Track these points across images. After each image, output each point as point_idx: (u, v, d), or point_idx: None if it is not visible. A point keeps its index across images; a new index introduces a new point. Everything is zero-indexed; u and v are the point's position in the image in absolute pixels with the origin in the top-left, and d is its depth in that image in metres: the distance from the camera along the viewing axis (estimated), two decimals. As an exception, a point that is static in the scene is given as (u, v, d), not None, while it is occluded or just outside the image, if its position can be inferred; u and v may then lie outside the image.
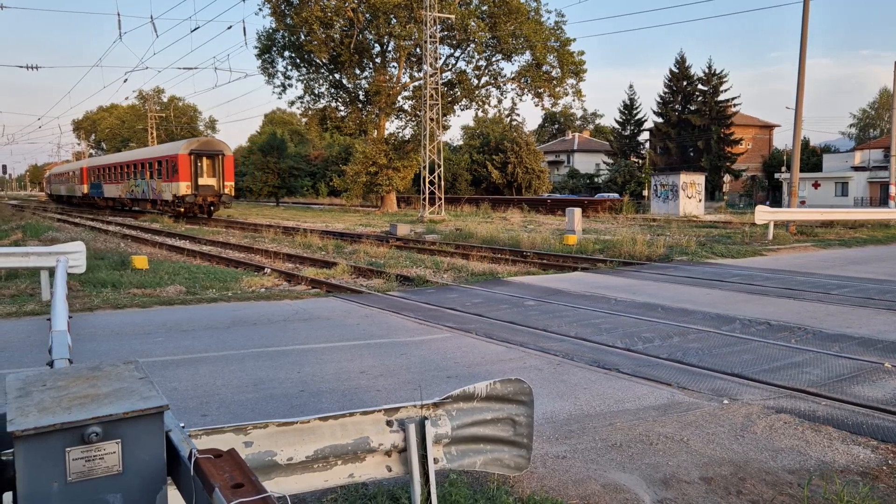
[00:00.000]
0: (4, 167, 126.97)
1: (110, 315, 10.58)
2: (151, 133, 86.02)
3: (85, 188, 52.54)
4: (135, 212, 43.34)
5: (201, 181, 35.68)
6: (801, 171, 36.49)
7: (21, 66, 73.74)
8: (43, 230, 27.43)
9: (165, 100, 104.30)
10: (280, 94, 79.08)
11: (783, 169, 57.77)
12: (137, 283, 13.61)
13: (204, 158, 36.16)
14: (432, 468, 3.86)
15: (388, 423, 3.82)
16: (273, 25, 46.83)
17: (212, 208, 37.26)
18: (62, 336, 3.39)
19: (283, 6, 44.67)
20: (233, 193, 38.00)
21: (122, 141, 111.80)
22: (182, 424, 2.06)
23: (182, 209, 36.23)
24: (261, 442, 3.46)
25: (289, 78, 49.22)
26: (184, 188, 35.28)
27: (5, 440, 1.87)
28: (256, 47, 48.70)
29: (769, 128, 74.78)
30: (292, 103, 59.08)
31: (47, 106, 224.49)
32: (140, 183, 40.07)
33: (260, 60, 49.08)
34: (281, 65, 49.13)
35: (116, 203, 46.24)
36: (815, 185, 57.32)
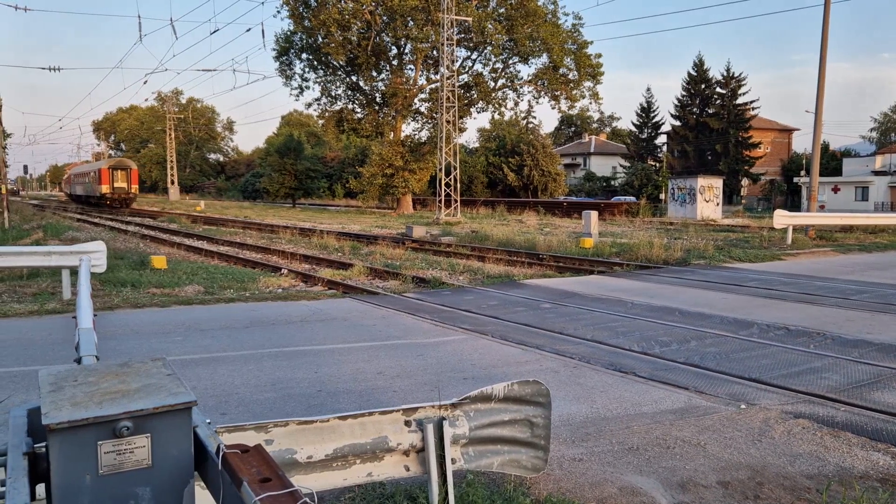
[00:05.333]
0: (25, 167, 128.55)
1: (130, 314, 10.71)
2: (170, 134, 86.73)
3: (68, 188, 74.10)
4: (86, 203, 60.94)
5: (116, 185, 54.41)
6: (821, 175, 36.16)
7: (43, 68, 74.73)
8: (63, 230, 27.76)
9: (184, 101, 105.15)
10: (297, 95, 79.44)
11: (802, 173, 57.21)
12: (156, 283, 13.75)
13: (118, 171, 54.78)
14: (450, 468, 3.89)
15: (407, 423, 3.85)
16: (291, 28, 47.11)
17: (126, 202, 55.47)
18: (89, 333, 3.45)
19: (301, 9, 44.90)
20: (137, 193, 58.84)
21: (140, 142, 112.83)
22: (208, 421, 2.10)
23: (107, 202, 54.51)
24: (281, 440, 3.50)
25: (306, 80, 49.44)
26: (105, 189, 54.11)
27: (39, 433, 1.92)
28: (274, 49, 48.99)
29: (788, 131, 74.09)
30: (309, 105, 59.42)
31: (68, 107, 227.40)
32: (88, 185, 59.27)
33: (278, 62, 49.32)
34: (298, 67, 49.37)
35: (81, 197, 63.16)
36: (835, 190, 56.72)
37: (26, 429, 1.99)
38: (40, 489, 1.84)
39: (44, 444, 1.82)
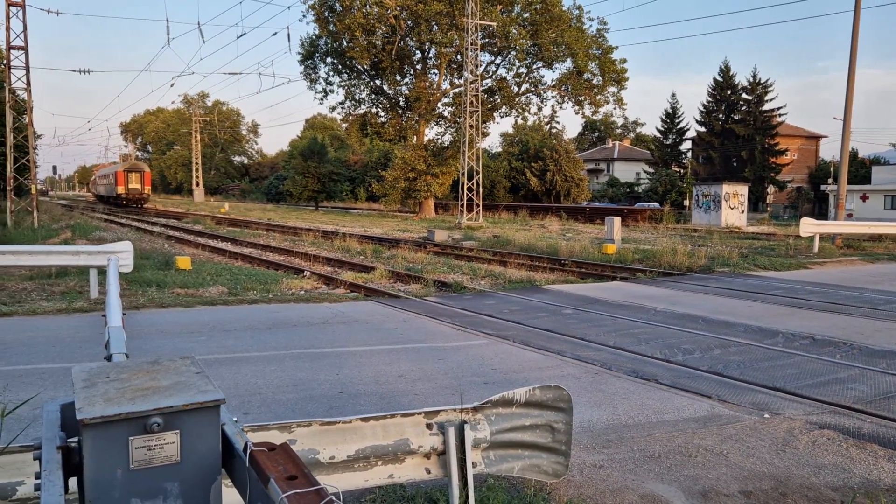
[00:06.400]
0: (55, 168, 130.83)
1: (155, 314, 10.85)
2: (195, 136, 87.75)
3: (94, 189, 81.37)
4: (107, 203, 66.93)
5: (130, 186, 60.62)
6: (849, 183, 35.53)
7: (73, 70, 76.17)
8: (91, 230, 28.20)
9: (210, 104, 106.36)
10: (321, 99, 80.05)
11: (830, 181, 56.39)
12: (181, 283, 13.92)
13: (132, 173, 61.01)
14: (471, 472, 3.90)
15: (428, 426, 3.87)
16: (316, 32, 47.45)
17: (139, 201, 61.35)
18: (118, 331, 3.52)
19: (326, 13, 45.24)
20: (150, 193, 64.75)
21: (166, 144, 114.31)
22: (235, 419, 2.13)
23: (123, 202, 60.47)
24: (304, 440, 3.54)
25: (330, 84, 49.75)
26: (121, 189, 60.37)
27: (71, 428, 1.96)
28: (299, 53, 49.40)
29: (816, 138, 73.11)
30: (333, 109, 59.80)
31: (97, 109, 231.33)
32: (108, 186, 65.51)
33: (302, 66, 49.73)
34: (323, 70, 49.71)
35: (103, 197, 69.59)
36: (864, 198, 55.82)
37: (59, 423, 2.04)
38: (72, 483, 1.88)
39: (76, 438, 1.87)
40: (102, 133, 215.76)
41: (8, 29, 28.00)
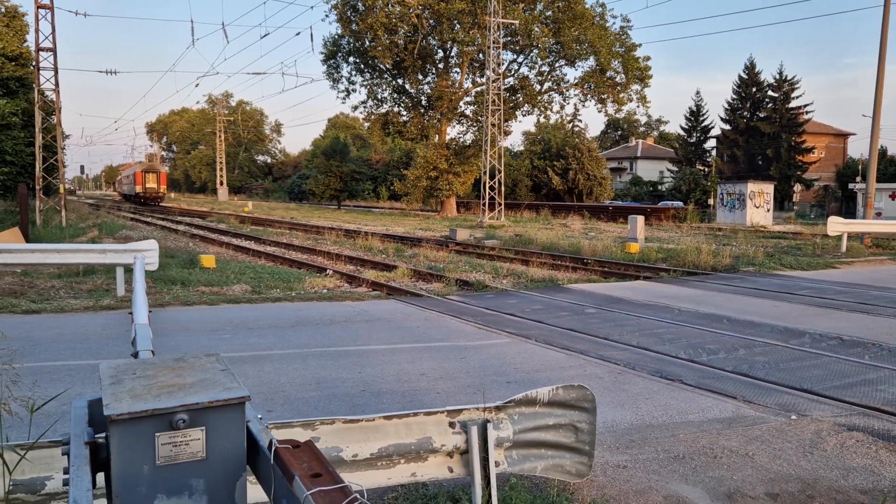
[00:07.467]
0: (82, 167, 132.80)
1: (180, 311, 10.96)
2: (219, 136, 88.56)
3: (119, 188, 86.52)
4: (129, 201, 72.21)
5: (148, 185, 65.57)
6: (878, 181, 34.94)
7: (101, 71, 77.19)
8: (117, 228, 28.57)
9: (234, 104, 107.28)
10: (344, 98, 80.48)
11: (858, 179, 55.50)
12: (205, 282, 14.04)
13: (150, 173, 66.09)
14: (493, 471, 3.89)
15: (451, 425, 3.87)
16: (339, 31, 47.71)
17: (156, 199, 66.36)
18: (145, 329, 3.56)
19: (349, 13, 45.43)
20: (166, 192, 70.15)
21: (191, 143, 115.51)
22: (260, 416, 2.14)
23: (142, 200, 65.41)
24: (327, 437, 3.55)
25: (353, 83, 49.97)
26: (139, 189, 65.44)
27: (99, 424, 1.99)
28: (322, 53, 49.68)
29: (844, 136, 71.98)
30: (356, 108, 59.98)
31: (123, 109, 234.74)
32: (129, 186, 71.00)
33: (325, 66, 50.01)
34: (345, 70, 49.94)
35: (126, 196, 74.75)
36: (893, 196, 54.81)
37: (87, 419, 2.06)
38: (100, 478, 1.90)
39: (104, 434, 1.89)
40: (129, 133, 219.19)
41: (37, 31, 28.45)
